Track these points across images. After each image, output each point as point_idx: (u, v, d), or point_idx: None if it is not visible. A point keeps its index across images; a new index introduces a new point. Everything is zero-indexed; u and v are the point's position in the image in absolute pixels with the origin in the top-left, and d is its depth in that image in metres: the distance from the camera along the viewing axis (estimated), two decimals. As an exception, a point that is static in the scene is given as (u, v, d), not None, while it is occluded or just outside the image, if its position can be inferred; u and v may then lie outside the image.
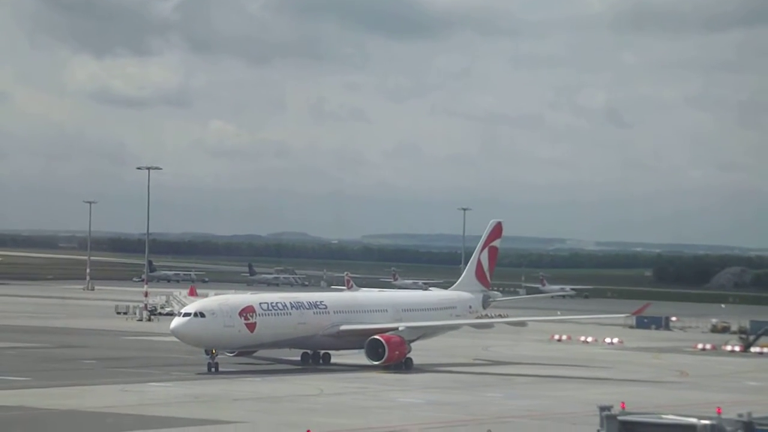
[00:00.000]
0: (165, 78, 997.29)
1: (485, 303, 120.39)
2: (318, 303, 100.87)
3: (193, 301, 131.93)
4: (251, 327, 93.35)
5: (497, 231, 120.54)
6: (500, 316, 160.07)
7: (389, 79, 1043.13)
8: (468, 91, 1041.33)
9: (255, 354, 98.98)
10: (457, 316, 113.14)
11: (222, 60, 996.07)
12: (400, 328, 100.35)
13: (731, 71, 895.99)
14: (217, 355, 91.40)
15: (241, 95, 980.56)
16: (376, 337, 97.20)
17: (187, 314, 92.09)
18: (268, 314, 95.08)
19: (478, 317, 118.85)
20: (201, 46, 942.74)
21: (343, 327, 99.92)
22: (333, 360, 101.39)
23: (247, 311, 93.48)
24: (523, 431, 65.48)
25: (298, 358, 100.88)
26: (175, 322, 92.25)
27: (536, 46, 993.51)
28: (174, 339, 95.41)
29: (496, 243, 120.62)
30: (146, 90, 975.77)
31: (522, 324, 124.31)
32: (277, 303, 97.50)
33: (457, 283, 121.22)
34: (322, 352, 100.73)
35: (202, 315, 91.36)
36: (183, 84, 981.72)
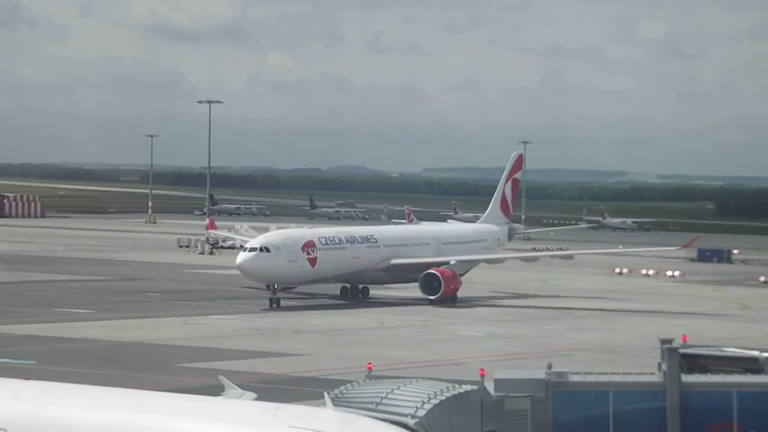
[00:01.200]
0: (222, 11, 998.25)
1: (510, 235, 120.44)
2: (369, 237, 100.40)
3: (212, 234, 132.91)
4: (312, 262, 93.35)
5: (519, 163, 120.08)
6: (560, 249, 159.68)
7: (447, 11, 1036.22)
8: (527, 24, 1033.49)
9: (295, 289, 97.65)
10: (488, 249, 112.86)
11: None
12: (451, 262, 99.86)
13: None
14: (279, 290, 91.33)
15: (299, 28, 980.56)
16: (432, 271, 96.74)
17: (252, 249, 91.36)
18: (327, 248, 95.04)
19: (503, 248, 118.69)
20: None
21: (394, 261, 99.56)
22: (371, 294, 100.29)
23: (308, 246, 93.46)
24: (584, 364, 65.33)
25: (337, 293, 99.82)
26: (241, 257, 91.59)
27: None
28: (235, 272, 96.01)
29: (518, 175, 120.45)
30: (204, 23, 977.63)
31: (569, 257, 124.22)
32: (333, 237, 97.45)
33: (484, 215, 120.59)
34: (361, 286, 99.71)
35: (267, 250, 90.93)
36: (240, 17, 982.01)
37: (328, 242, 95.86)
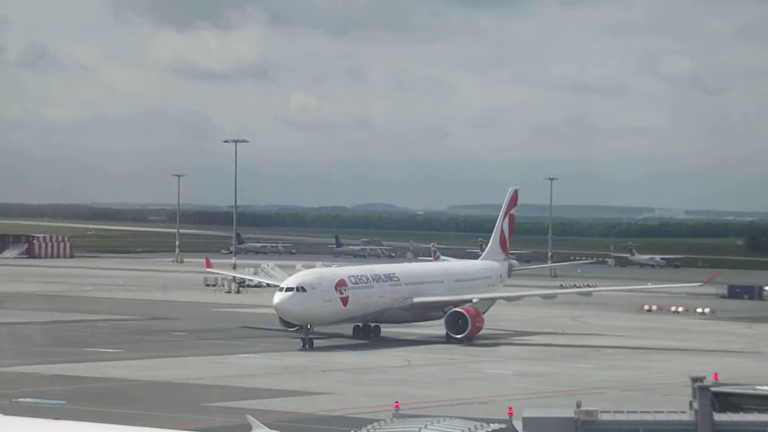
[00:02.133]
0: (245, 51, 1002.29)
1: (510, 271, 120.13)
2: (392, 275, 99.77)
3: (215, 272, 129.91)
4: (345, 301, 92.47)
5: (515, 199, 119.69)
6: (588, 285, 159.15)
7: (470, 49, 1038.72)
8: (550, 61, 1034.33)
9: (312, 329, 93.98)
10: (492, 285, 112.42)
11: (301, 32, 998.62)
12: (474, 300, 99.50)
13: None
14: (311, 330, 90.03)
15: (322, 67, 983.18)
16: (458, 309, 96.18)
17: (289, 288, 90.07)
18: (357, 287, 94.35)
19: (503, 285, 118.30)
20: (280, 18, 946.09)
21: (417, 299, 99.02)
22: (382, 332, 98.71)
23: (340, 285, 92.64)
24: (614, 402, 64.97)
25: (350, 333, 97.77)
26: (278, 297, 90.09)
27: (616, 14, 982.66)
28: (262, 311, 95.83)
29: (513, 211, 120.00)
30: (227, 63, 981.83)
31: (587, 294, 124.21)
32: (361, 275, 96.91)
33: (485, 252, 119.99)
34: (373, 324, 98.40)
35: (304, 290, 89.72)
36: (263, 57, 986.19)
37: (358, 281, 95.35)
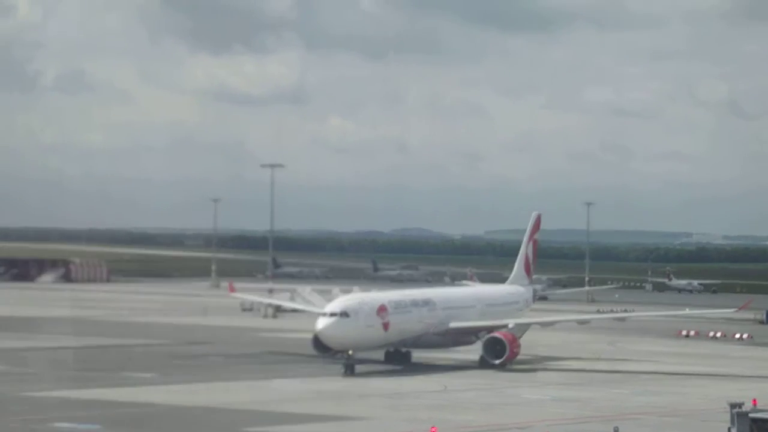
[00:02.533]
0: (282, 75, 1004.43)
1: (534, 296, 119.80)
2: (428, 300, 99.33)
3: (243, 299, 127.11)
4: (386, 326, 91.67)
5: (538, 224, 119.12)
6: (625, 311, 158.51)
7: (505, 73, 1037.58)
8: (585, 85, 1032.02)
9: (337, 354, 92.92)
10: (519, 310, 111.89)
11: (337, 56, 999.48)
12: (510, 325, 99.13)
13: None
14: (353, 356, 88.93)
15: (358, 91, 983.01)
16: (496, 335, 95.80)
17: (333, 314, 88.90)
18: (397, 312, 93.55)
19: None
20: (316, 42, 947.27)
21: (453, 324, 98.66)
22: (414, 357, 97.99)
23: (381, 310, 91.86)
24: (652, 428, 64.66)
25: (382, 358, 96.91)
26: (322, 322, 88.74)
27: (653, 39, 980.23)
28: (298, 335, 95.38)
29: (537, 236, 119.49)
30: (263, 87, 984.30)
31: (623, 319, 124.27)
32: (400, 300, 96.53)
33: (510, 277, 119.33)
34: (404, 349, 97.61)
35: (347, 315, 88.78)
36: (300, 81, 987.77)
37: (398, 306, 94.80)
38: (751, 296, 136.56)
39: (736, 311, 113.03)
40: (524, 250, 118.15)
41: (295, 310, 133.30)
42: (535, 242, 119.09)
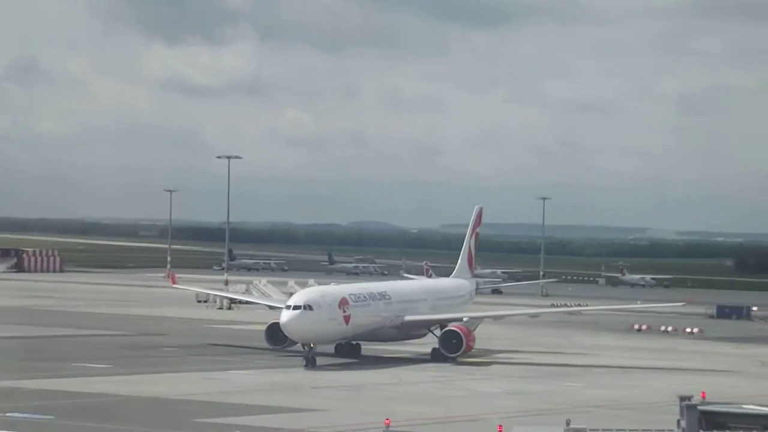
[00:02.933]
0: (238, 66, 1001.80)
1: (477, 289, 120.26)
2: (384, 293, 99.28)
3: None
4: (347, 319, 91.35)
5: (480, 217, 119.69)
6: (579, 305, 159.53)
7: (466, 67, 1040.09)
8: (545, 80, 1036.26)
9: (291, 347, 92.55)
10: (464, 304, 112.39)
11: (294, 48, 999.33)
12: (464, 318, 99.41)
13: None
14: (314, 349, 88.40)
15: (316, 83, 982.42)
16: (453, 328, 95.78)
17: (296, 307, 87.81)
18: (357, 306, 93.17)
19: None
20: (273, 34, 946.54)
21: (408, 317, 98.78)
22: (363, 351, 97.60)
23: (343, 303, 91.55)
24: (603, 421, 65.09)
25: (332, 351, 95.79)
26: (286, 315, 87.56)
27: (612, 34, 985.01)
28: (253, 327, 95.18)
29: (478, 229, 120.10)
30: (220, 78, 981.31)
31: (576, 313, 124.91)
32: (359, 293, 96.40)
33: (455, 270, 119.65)
34: (354, 342, 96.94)
35: (311, 308, 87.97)
36: (256, 72, 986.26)
37: (358, 299, 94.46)
38: (701, 291, 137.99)
39: (684, 305, 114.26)
40: (467, 244, 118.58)
41: (249, 303, 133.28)
42: (476, 236, 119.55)
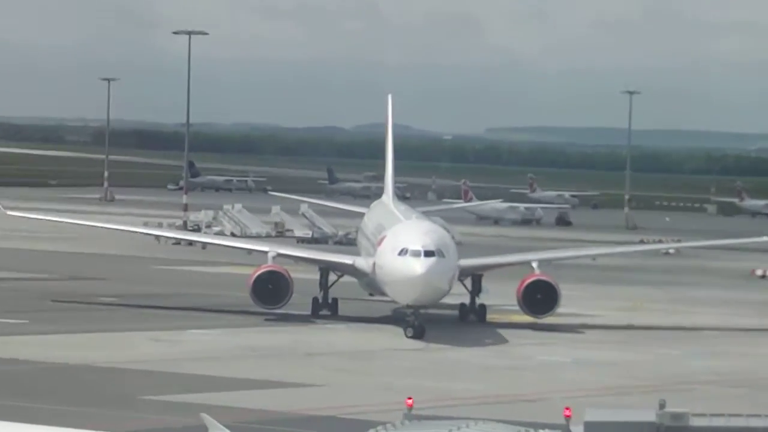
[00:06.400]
0: None
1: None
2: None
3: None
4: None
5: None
6: (678, 240, 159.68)
7: None
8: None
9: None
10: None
11: None
12: (534, 264, 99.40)
13: None
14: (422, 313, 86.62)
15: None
16: (542, 277, 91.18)
17: (429, 253, 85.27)
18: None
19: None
20: None
21: (463, 262, 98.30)
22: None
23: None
24: (711, 402, 65.37)
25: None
26: (422, 264, 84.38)
27: None
28: (224, 270, 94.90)
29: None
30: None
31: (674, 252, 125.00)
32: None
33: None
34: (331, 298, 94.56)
35: (443, 254, 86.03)
36: None
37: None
38: None
39: None
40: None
41: (221, 233, 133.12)
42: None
